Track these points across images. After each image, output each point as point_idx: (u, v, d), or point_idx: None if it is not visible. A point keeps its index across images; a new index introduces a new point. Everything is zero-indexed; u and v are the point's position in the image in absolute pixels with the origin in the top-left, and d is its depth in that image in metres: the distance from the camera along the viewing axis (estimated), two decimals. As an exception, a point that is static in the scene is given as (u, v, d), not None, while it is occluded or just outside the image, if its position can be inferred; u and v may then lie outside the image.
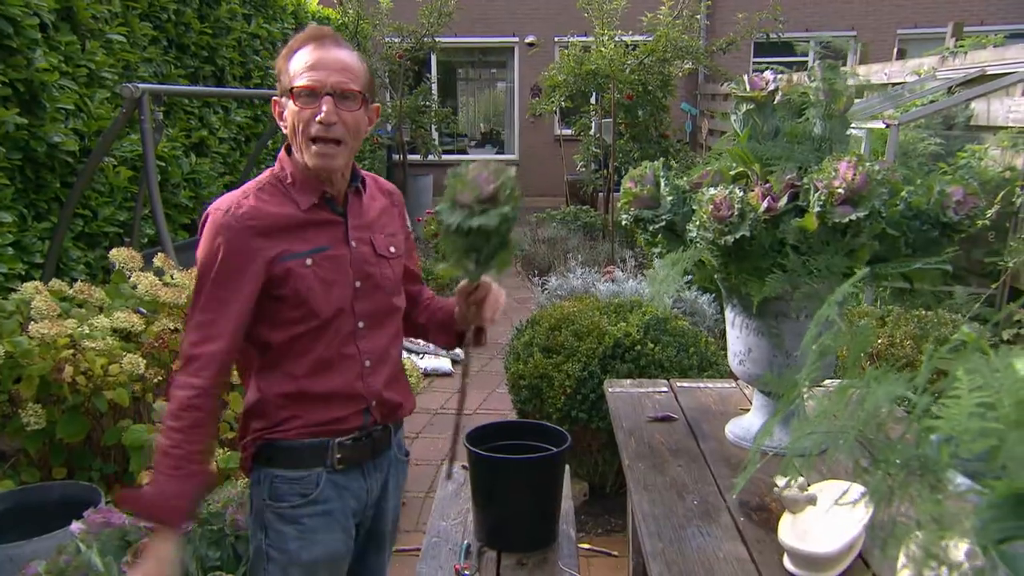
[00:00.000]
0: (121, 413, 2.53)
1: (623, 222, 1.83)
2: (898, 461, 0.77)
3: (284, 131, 1.46)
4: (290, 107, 1.41)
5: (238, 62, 5.45)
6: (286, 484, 1.50)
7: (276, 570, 1.51)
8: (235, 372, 1.61)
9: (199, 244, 1.44)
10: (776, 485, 1.48)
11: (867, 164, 1.52)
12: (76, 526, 1.89)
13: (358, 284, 1.50)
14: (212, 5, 5.00)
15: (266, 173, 1.51)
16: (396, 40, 9.72)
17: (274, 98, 1.48)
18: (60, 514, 2.20)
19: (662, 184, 1.78)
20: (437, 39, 9.86)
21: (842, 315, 1.71)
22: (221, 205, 1.43)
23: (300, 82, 1.39)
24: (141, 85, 3.30)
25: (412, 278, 1.71)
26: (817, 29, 11.57)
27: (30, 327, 2.36)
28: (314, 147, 1.41)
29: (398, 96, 9.91)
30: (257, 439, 1.51)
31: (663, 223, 1.75)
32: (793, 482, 1.41)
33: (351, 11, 8.40)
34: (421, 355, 5.01)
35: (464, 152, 13.01)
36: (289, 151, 1.49)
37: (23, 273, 3.20)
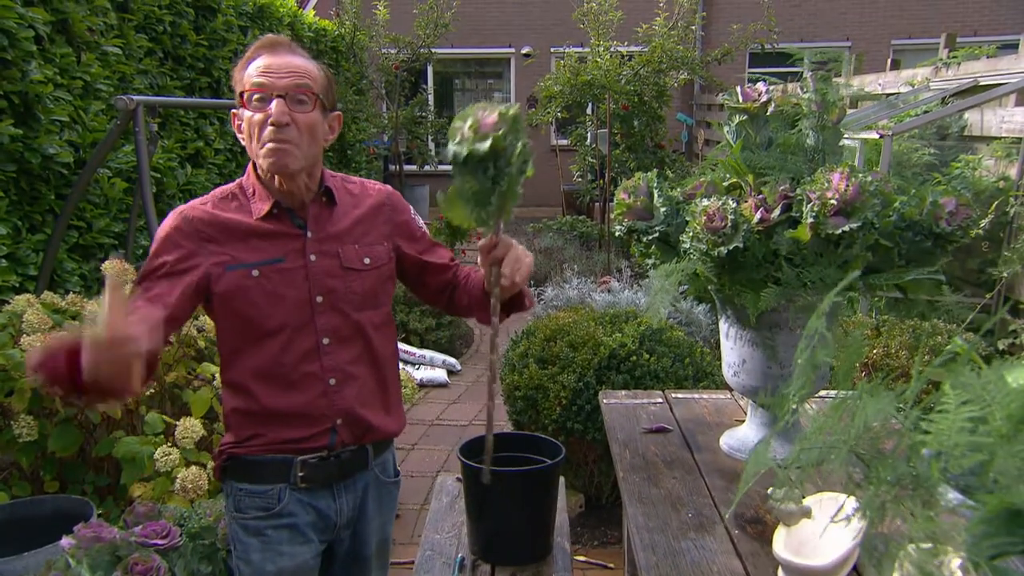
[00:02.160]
0: (114, 425, 2.52)
1: (617, 233, 1.83)
2: (890, 476, 0.77)
3: (243, 142, 1.44)
4: (244, 114, 1.40)
5: (234, 73, 5.45)
6: (249, 498, 1.50)
7: None
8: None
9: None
10: (771, 498, 1.47)
11: (860, 175, 1.52)
12: (66, 541, 1.87)
13: (319, 299, 1.46)
14: (208, 17, 5.01)
15: (235, 182, 1.50)
16: (392, 51, 9.75)
17: (233, 111, 1.46)
18: (52, 528, 2.18)
19: (655, 195, 1.77)
20: (433, 50, 9.90)
21: (835, 326, 1.71)
22: (182, 206, 1.46)
23: (251, 86, 1.38)
24: (136, 97, 3.30)
25: (438, 270, 1.64)
26: (811, 40, 11.64)
27: (22, 340, 2.35)
28: (267, 146, 1.38)
29: (394, 107, 9.93)
30: (223, 452, 1.52)
31: (657, 234, 1.75)
32: (787, 495, 1.41)
33: (347, 22, 8.42)
34: (417, 366, 5.00)
35: (461, 162, 13.02)
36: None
37: (17, 285, 3.18)
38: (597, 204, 8.81)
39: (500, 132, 1.28)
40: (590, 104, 8.86)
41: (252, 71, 1.39)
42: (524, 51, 11.92)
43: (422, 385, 4.77)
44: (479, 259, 1.44)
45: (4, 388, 2.37)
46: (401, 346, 5.01)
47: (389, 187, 1.65)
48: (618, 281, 5.10)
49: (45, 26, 3.36)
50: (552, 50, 11.56)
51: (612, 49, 8.13)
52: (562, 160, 10.28)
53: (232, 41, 5.31)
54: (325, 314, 1.46)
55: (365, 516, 1.60)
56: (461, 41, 11.41)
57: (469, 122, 1.29)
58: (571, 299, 4.78)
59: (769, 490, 1.50)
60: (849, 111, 4.62)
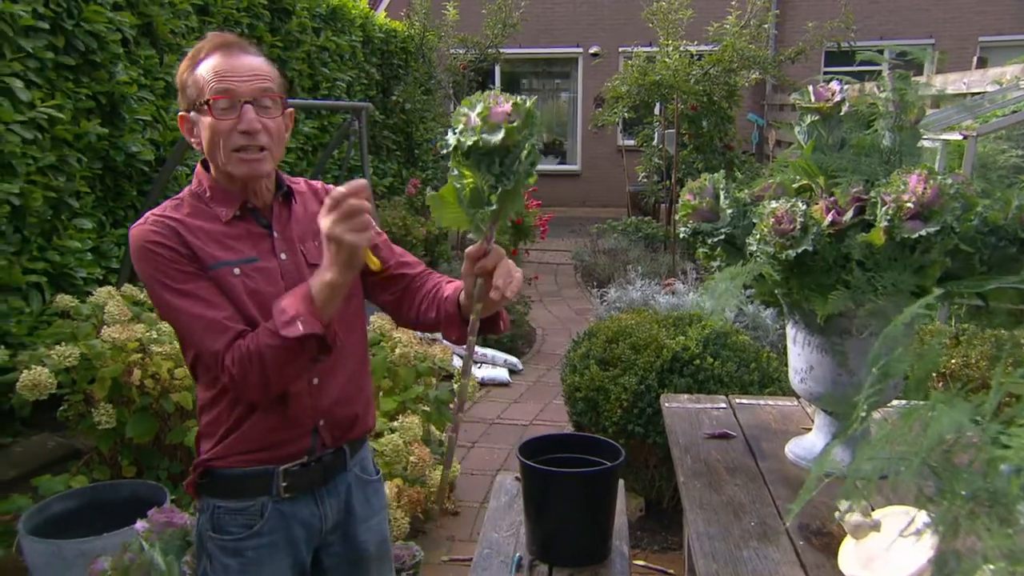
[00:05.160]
0: (187, 415, 2.61)
1: (681, 235, 1.80)
2: (965, 491, 0.73)
3: (197, 148, 1.38)
4: (206, 121, 1.32)
5: (307, 74, 5.59)
6: (228, 515, 1.43)
7: None
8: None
9: (138, 266, 1.35)
10: (838, 509, 1.42)
11: (939, 177, 1.46)
12: (140, 524, 1.96)
13: None
14: (283, 19, 5.15)
15: (183, 191, 1.42)
16: (461, 51, 9.83)
17: (180, 114, 1.38)
18: (129, 511, 2.28)
19: (722, 197, 1.74)
20: (501, 50, 9.93)
21: (911, 334, 1.65)
22: (141, 220, 1.36)
23: (215, 93, 1.30)
24: (214, 97, 3.42)
25: (396, 264, 1.52)
26: (892, 37, 11.24)
27: (103, 331, 2.46)
28: (238, 155, 1.33)
29: (462, 107, 9.99)
30: (199, 466, 1.45)
31: (722, 236, 1.72)
32: (856, 506, 1.36)
33: (417, 23, 8.54)
34: (478, 364, 5.03)
35: (526, 162, 13.04)
36: (206, 166, 1.41)
37: (101, 277, 3.34)
38: (663, 205, 8.71)
39: (514, 124, 1.11)
40: (658, 104, 8.76)
41: (208, 74, 1.32)
42: (592, 51, 11.86)
43: (483, 384, 4.80)
44: (464, 267, 1.29)
45: (87, 376, 2.49)
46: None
47: (331, 185, 1.57)
48: (683, 283, 5.03)
49: (131, 29, 3.51)
50: (620, 50, 11.48)
51: (682, 48, 8.02)
52: (628, 161, 10.19)
53: (306, 42, 5.45)
54: None
55: (354, 518, 1.54)
56: (529, 41, 11.43)
57: (479, 109, 1.14)
58: (634, 301, 4.74)
59: (837, 501, 1.46)
60: (931, 111, 4.44)
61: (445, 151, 1.16)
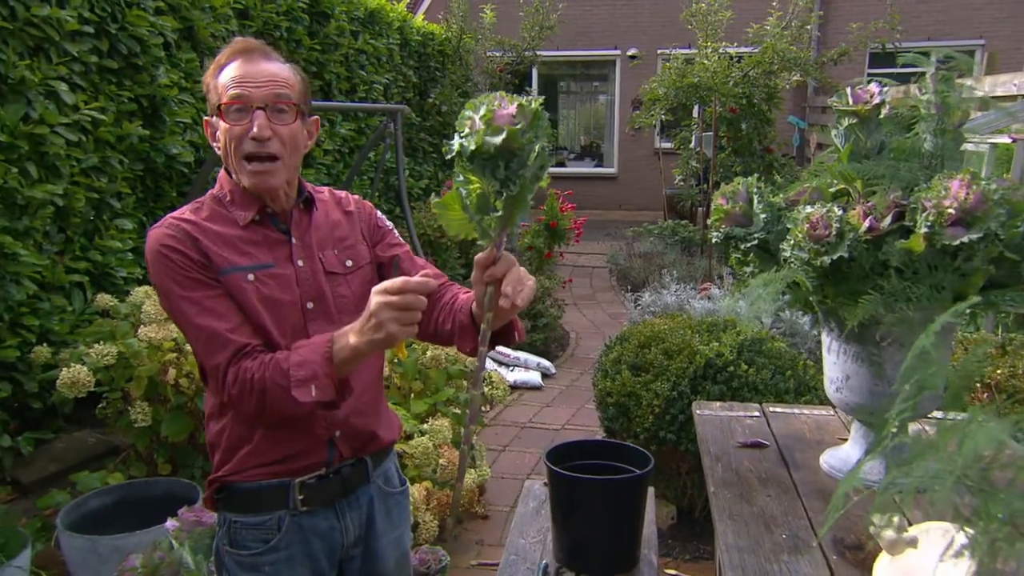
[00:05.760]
0: (221, 414, 2.65)
1: (714, 240, 1.77)
2: (1002, 513, 0.70)
3: (218, 152, 1.38)
4: (221, 126, 1.33)
5: (344, 76, 5.64)
6: (245, 530, 1.41)
7: None
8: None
9: (151, 269, 1.35)
10: (873, 523, 1.38)
11: (983, 182, 1.41)
12: (170, 523, 1.98)
13: (310, 306, 1.39)
14: (322, 22, 5.20)
15: (206, 194, 1.42)
16: (498, 54, 9.84)
17: (206, 119, 1.40)
18: (163, 508, 2.32)
19: (755, 201, 1.70)
20: (539, 53, 9.93)
21: (950, 343, 1.59)
22: (159, 223, 1.36)
23: (230, 98, 1.31)
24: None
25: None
26: (940, 38, 10.96)
27: (140, 330, 2.50)
28: (249, 166, 1.32)
29: (498, 110, 10.00)
30: (215, 481, 1.44)
31: (755, 242, 1.68)
32: (890, 522, 1.32)
33: (455, 26, 8.57)
34: (511, 368, 5.02)
35: (563, 164, 13.03)
36: (228, 170, 1.40)
37: (141, 277, 3.40)
38: (700, 209, 8.62)
39: (518, 126, 1.08)
40: (696, 107, 8.68)
41: (227, 80, 1.32)
42: (630, 53, 11.80)
43: (515, 387, 4.78)
44: (473, 275, 1.25)
45: (124, 375, 2.54)
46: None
47: (356, 195, 1.58)
48: (719, 288, 4.96)
49: (173, 33, 3.57)
50: (659, 52, 11.39)
51: (721, 50, 7.93)
52: (665, 164, 10.11)
53: (343, 45, 5.49)
54: (316, 321, 1.39)
55: (375, 531, 1.52)
56: (567, 43, 11.40)
57: (482, 111, 1.09)
58: (669, 305, 4.69)
59: (872, 515, 1.42)
60: (978, 114, 4.33)
61: (450, 156, 1.13)
